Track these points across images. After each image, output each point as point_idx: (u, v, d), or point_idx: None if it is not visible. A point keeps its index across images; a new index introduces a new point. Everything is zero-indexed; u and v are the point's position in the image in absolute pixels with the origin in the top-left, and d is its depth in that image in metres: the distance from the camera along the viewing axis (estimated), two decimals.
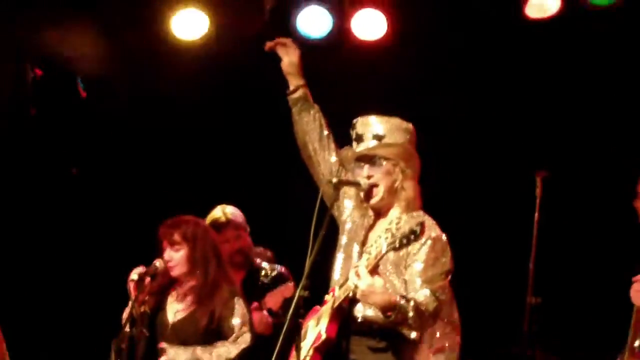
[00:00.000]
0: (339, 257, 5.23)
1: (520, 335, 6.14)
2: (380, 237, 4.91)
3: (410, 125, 5.24)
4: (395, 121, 5.22)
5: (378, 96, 7.74)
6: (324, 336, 4.94)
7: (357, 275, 4.77)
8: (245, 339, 5.97)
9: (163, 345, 5.97)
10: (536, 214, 6.06)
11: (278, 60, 5.44)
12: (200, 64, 8.11)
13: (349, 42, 7.78)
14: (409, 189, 5.16)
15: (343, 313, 4.99)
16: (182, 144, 8.47)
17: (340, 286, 5.01)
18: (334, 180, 5.10)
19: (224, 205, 6.93)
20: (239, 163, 8.41)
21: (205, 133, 8.44)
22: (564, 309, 7.33)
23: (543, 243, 6.10)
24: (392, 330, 4.92)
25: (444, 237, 5.03)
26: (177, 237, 5.97)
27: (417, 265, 4.92)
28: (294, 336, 5.02)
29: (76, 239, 8.31)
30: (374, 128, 5.17)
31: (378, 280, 4.77)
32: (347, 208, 5.30)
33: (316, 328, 5.03)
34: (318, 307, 5.16)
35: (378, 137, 5.16)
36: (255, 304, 6.52)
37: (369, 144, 5.15)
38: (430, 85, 7.94)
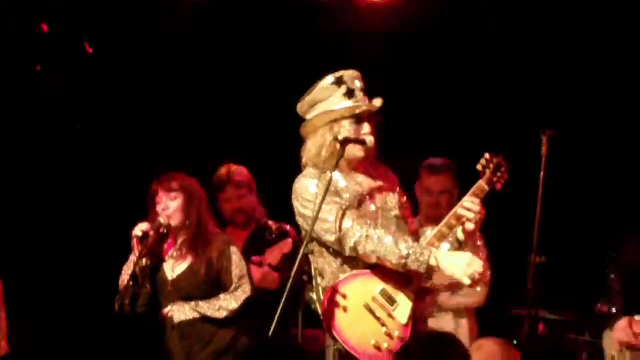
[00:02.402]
0: None
1: (525, 295, 6.13)
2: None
3: None
4: (357, 72, 5.25)
5: (383, 55, 7.75)
6: None
7: None
8: (245, 290, 6.04)
9: (167, 309, 6.04)
10: (542, 173, 6.03)
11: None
12: (206, 19, 8.11)
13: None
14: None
15: None
16: (190, 100, 8.44)
17: None
18: (340, 137, 5.09)
19: (230, 164, 6.94)
20: (245, 120, 8.38)
21: (215, 89, 8.41)
22: (569, 268, 7.33)
23: (548, 202, 6.09)
24: None
25: None
26: (175, 185, 6.06)
27: None
28: (298, 293, 5.03)
29: (80, 195, 8.32)
30: (359, 83, 5.21)
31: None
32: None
33: None
34: None
35: (364, 92, 5.18)
36: (256, 259, 6.54)
37: (362, 99, 5.17)
38: (436, 45, 7.91)
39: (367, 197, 5.18)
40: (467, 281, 4.91)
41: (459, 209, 5.06)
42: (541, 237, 6.02)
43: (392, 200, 5.26)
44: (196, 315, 6.02)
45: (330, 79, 5.19)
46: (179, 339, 6.04)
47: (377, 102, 5.16)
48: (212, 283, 6.05)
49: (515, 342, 6.31)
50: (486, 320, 6.74)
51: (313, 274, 5.19)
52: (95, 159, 8.34)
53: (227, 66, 8.31)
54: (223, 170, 6.92)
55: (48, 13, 8.06)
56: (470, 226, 5.05)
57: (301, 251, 4.89)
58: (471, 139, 7.68)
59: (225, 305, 6.01)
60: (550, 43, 7.74)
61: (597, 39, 7.59)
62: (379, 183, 5.25)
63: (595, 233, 7.40)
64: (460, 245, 5.14)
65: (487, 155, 5.13)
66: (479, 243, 6.39)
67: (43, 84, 8.16)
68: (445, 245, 5.11)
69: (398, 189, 5.35)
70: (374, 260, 4.99)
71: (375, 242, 4.95)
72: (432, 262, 4.92)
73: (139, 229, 5.98)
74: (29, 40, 8.04)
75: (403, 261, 4.93)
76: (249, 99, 8.30)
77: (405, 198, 5.39)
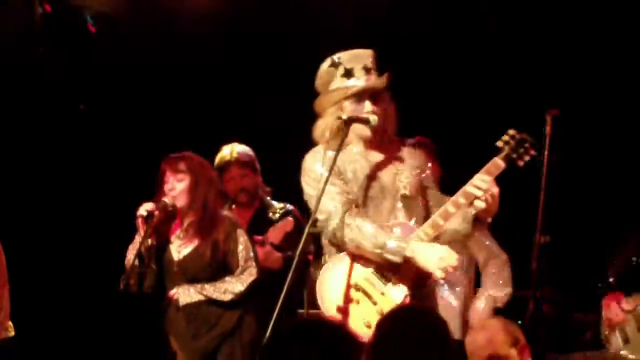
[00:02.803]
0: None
1: (529, 274, 6.14)
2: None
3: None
4: (367, 51, 5.19)
5: (387, 38, 7.73)
6: None
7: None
8: (251, 272, 6.01)
9: (173, 291, 6.04)
10: (546, 153, 6.03)
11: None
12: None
13: None
14: (393, 112, 5.17)
15: None
16: (191, 81, 8.42)
17: None
18: (344, 116, 5.06)
19: (233, 144, 6.92)
20: (247, 99, 8.37)
21: (217, 70, 8.39)
22: (573, 247, 7.33)
23: (553, 181, 6.09)
24: None
25: None
26: (182, 166, 6.03)
27: None
28: (303, 272, 5.02)
29: (83, 176, 8.32)
30: (361, 61, 5.14)
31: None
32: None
33: None
34: None
35: (368, 70, 5.13)
36: (257, 238, 6.53)
37: (364, 78, 5.11)
38: (438, 23, 7.90)
39: (374, 174, 5.14)
40: (439, 274, 4.89)
41: (467, 187, 5.01)
42: (545, 217, 6.01)
43: (404, 179, 5.19)
44: (201, 297, 6.00)
45: (327, 62, 5.17)
46: (185, 321, 6.02)
47: (379, 79, 5.13)
48: (217, 265, 6.03)
49: (519, 322, 6.31)
50: None
51: (323, 252, 5.18)
52: (99, 139, 8.35)
53: (235, 47, 8.30)
54: (226, 150, 6.90)
55: None
56: (479, 204, 5.00)
57: (306, 230, 4.87)
58: (475, 119, 7.68)
59: (230, 288, 5.99)
60: (553, 23, 7.73)
61: (601, 18, 7.58)
62: (390, 160, 5.20)
63: (600, 212, 7.40)
64: (477, 223, 5.10)
65: (510, 131, 5.08)
66: None
67: (45, 65, 8.15)
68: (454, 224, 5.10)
69: (417, 167, 5.27)
70: (352, 248, 4.98)
71: (355, 231, 4.95)
72: (408, 254, 4.90)
73: (144, 209, 5.97)
74: (32, 21, 8.03)
75: (378, 251, 4.92)
76: (256, 79, 8.30)
77: (425, 175, 5.30)
